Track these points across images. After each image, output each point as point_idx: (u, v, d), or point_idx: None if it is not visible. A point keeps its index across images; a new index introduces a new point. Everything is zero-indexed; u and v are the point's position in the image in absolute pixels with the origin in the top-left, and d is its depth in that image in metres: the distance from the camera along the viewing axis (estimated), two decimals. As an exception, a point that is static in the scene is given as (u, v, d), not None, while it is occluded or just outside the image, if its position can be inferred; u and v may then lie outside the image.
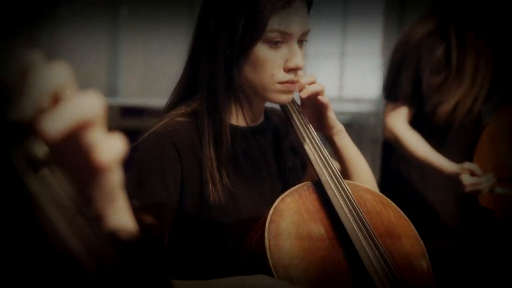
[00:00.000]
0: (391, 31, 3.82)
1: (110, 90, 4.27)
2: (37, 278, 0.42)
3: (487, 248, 1.90)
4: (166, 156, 1.11)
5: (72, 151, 0.44)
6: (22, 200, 0.41)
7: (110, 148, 0.45)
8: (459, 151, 1.93)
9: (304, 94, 1.19)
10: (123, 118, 3.69)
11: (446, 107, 1.86)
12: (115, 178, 0.48)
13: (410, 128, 1.92)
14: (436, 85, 1.87)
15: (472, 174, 1.79)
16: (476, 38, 1.87)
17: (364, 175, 1.29)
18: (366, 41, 4.05)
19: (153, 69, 4.16)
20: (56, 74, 0.42)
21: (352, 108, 3.97)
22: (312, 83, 1.20)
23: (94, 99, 0.44)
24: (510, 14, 1.93)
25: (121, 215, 0.52)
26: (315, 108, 1.22)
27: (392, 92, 1.95)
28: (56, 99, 0.42)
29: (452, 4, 1.90)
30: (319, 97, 1.19)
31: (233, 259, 1.11)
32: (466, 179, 1.78)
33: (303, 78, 1.18)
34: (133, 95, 4.25)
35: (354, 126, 3.65)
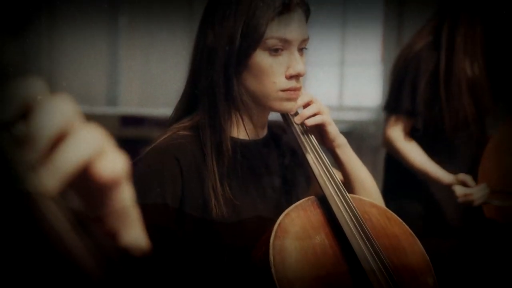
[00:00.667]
0: (391, 40, 3.82)
1: (110, 99, 4.26)
2: (37, 279, 0.42)
3: (488, 252, 1.91)
4: (167, 172, 1.10)
5: (79, 181, 0.44)
6: (22, 202, 0.40)
7: (112, 166, 0.44)
8: (464, 161, 1.93)
9: (298, 120, 1.19)
10: (123, 127, 3.68)
11: (452, 120, 1.86)
12: (125, 196, 0.48)
13: (408, 138, 1.93)
14: (430, 96, 1.87)
15: (466, 185, 1.81)
16: (468, 46, 1.87)
17: (368, 187, 1.27)
18: (365, 49, 4.05)
19: (153, 78, 4.16)
20: (61, 110, 0.42)
21: (352, 116, 3.96)
22: (308, 103, 1.19)
23: (96, 132, 0.43)
24: (505, 22, 1.92)
25: (134, 233, 0.51)
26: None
27: (394, 104, 1.95)
28: (61, 136, 0.41)
29: (447, 11, 1.89)
30: (314, 119, 1.19)
31: (237, 273, 1.10)
32: (459, 189, 1.80)
33: (299, 99, 1.17)
34: (133, 104, 4.25)
35: (354, 135, 3.65)
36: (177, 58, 3.69)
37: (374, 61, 3.98)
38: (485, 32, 1.88)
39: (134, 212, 0.50)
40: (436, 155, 1.92)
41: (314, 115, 1.19)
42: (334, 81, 4.14)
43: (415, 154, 1.91)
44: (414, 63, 1.88)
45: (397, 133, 1.93)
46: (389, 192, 2.01)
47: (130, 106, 4.22)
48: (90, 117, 0.46)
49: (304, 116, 1.19)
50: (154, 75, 4.17)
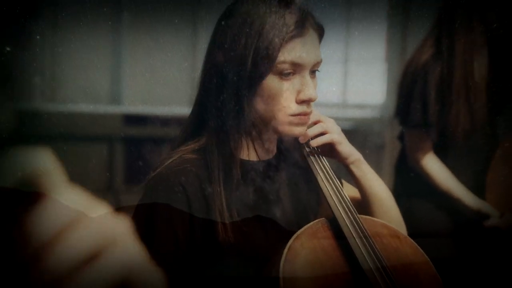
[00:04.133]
0: (395, 37, 3.80)
1: (113, 98, 4.24)
2: None
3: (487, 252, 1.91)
4: (174, 201, 1.07)
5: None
6: None
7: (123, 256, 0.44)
8: (473, 169, 1.93)
9: (302, 140, 1.17)
10: (126, 126, 3.67)
11: (456, 127, 1.85)
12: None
13: (433, 157, 1.92)
14: (440, 106, 1.87)
15: (490, 215, 1.82)
16: (468, 53, 1.85)
17: (386, 203, 1.25)
18: (369, 46, 4.02)
19: (156, 76, 4.14)
20: (101, 229, 0.41)
21: (356, 114, 3.95)
22: (316, 122, 1.18)
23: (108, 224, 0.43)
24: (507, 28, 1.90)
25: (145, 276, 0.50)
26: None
27: (409, 119, 1.94)
28: (97, 254, 0.41)
29: (444, 20, 1.88)
30: (320, 139, 1.17)
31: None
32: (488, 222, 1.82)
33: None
34: (136, 103, 4.23)
35: (358, 132, 3.64)
36: (181, 56, 3.67)
37: (378, 58, 3.95)
38: (487, 38, 1.87)
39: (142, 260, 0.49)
40: (446, 162, 1.91)
41: (321, 134, 1.17)
42: (338, 79, 4.12)
43: (441, 176, 1.91)
44: (422, 76, 1.87)
45: (420, 152, 1.93)
46: (399, 192, 2.00)
47: (133, 105, 4.21)
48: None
49: (307, 136, 1.16)
50: (158, 74, 4.15)
